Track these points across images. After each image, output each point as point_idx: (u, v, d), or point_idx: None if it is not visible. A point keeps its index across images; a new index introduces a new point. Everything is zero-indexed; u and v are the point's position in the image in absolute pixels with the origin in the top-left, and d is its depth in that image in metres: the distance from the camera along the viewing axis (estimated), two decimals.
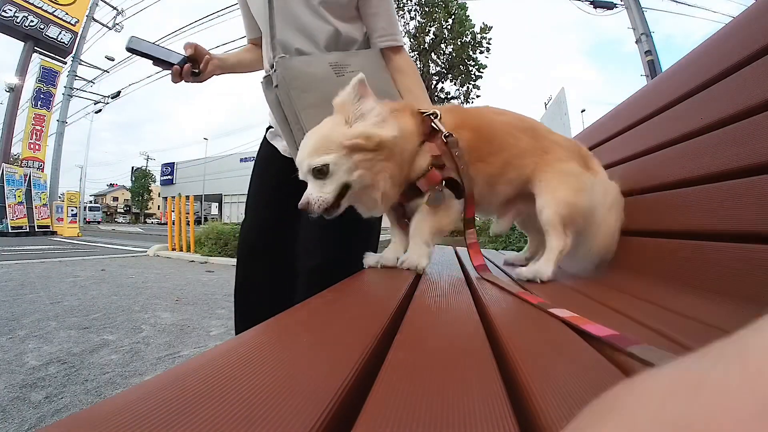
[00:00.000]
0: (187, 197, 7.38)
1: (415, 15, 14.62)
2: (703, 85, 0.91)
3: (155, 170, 54.77)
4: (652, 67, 11.52)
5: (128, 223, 52.31)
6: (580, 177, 1.01)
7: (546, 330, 0.53)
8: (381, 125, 0.86)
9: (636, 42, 11.84)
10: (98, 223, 39.45)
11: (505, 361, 0.40)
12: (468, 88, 15.79)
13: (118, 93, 22.37)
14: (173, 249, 7.28)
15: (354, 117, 0.86)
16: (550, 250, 0.98)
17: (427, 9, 12.81)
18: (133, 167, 57.85)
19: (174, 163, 48.28)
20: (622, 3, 12.31)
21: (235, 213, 24.04)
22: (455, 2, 13.94)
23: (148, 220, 55.91)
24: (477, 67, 15.31)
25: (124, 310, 2.79)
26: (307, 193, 0.87)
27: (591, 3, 13.20)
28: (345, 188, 0.88)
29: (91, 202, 52.03)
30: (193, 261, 6.28)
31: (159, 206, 59.27)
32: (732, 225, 0.68)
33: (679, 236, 0.84)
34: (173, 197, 7.75)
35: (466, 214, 0.98)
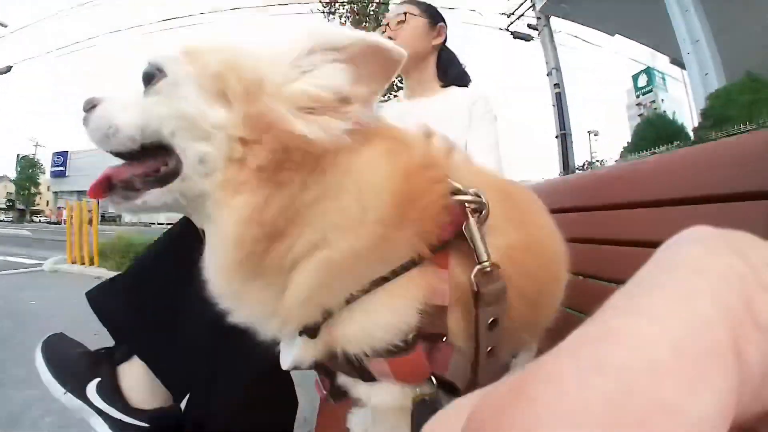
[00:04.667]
0: (88, 199, 6.56)
1: (346, 21, 14.76)
2: None
3: (45, 159, 48.00)
4: (559, 99, 12.90)
5: (11, 222, 44.65)
6: None
7: None
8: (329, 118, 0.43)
9: (547, 74, 13.14)
10: None
11: None
12: (389, 97, 16.24)
13: (10, 68, 19.30)
14: (74, 262, 6.41)
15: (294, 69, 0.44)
16: None
17: (358, 16, 13.11)
18: (18, 155, 49.86)
19: (67, 152, 42.78)
20: (539, 36, 13.60)
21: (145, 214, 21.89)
22: (383, 15, 14.35)
23: (35, 219, 48.65)
24: (400, 78, 15.79)
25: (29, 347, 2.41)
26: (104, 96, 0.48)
27: (511, 33, 14.41)
28: (162, 149, 0.45)
29: None
30: (99, 277, 5.62)
31: (48, 202, 51.98)
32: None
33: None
34: (69, 198, 6.82)
35: None
